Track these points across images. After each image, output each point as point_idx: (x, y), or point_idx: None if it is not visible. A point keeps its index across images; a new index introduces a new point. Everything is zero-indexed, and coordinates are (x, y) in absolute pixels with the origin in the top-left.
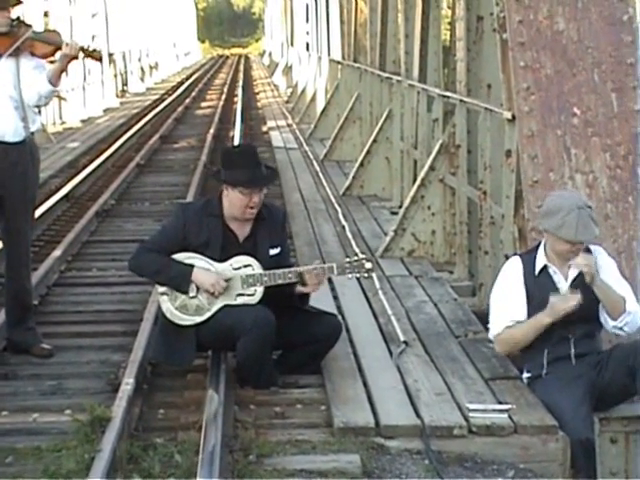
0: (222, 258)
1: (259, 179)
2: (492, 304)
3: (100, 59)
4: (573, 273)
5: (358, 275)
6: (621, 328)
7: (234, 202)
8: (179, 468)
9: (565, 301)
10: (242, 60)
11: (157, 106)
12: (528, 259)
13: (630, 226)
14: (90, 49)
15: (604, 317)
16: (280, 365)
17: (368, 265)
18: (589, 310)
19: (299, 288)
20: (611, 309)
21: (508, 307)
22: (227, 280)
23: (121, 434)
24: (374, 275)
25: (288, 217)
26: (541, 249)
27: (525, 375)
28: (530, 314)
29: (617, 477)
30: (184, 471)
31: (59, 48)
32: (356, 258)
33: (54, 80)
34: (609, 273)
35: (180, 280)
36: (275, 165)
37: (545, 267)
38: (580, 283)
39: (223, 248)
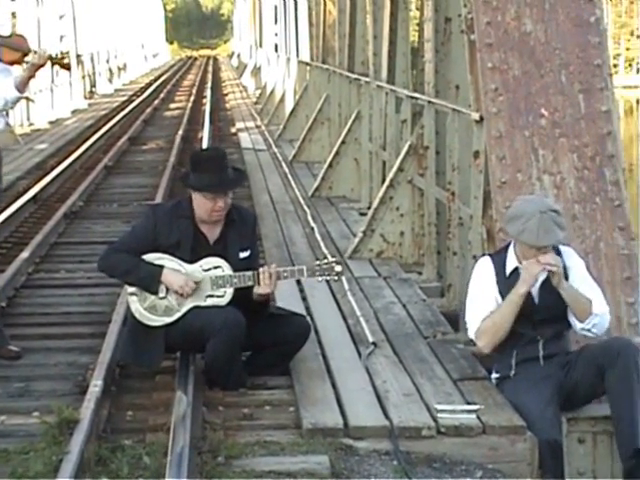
0: (192, 259)
1: (223, 184)
2: (467, 306)
3: (69, 68)
4: (543, 275)
5: (328, 278)
6: (589, 330)
7: (200, 205)
8: (147, 470)
9: (535, 264)
10: (211, 61)
11: (125, 107)
12: (498, 260)
13: (597, 227)
14: (59, 57)
15: (572, 319)
16: (249, 366)
17: (338, 268)
18: (557, 310)
19: (255, 288)
20: (578, 312)
21: (482, 304)
22: (196, 282)
23: (89, 436)
24: (343, 277)
25: (257, 219)
26: (511, 250)
27: (494, 376)
28: None
29: (584, 477)
30: (152, 473)
31: (26, 54)
32: (326, 261)
33: (21, 87)
34: (578, 274)
35: (149, 281)
36: (244, 167)
37: (516, 269)
38: (550, 284)
39: (193, 250)
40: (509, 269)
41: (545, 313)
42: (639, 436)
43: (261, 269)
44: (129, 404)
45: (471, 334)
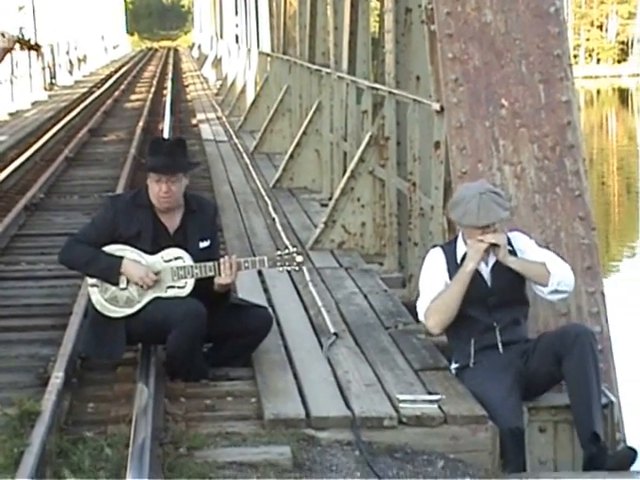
0: (153, 250)
1: (167, 166)
2: (420, 295)
3: (38, 48)
4: (492, 259)
5: (289, 268)
6: (557, 290)
7: (150, 190)
8: (109, 462)
9: (480, 241)
10: (171, 53)
11: (86, 99)
12: (449, 249)
13: (558, 217)
14: (25, 39)
15: (538, 290)
16: (211, 358)
17: (299, 258)
18: (511, 296)
19: (216, 278)
20: (537, 277)
21: (433, 288)
22: (157, 272)
23: (50, 428)
24: (304, 267)
25: (218, 210)
26: (460, 238)
27: (453, 365)
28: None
29: (546, 466)
30: (114, 465)
31: None
32: (287, 251)
33: None
34: (529, 250)
35: (110, 272)
36: (205, 158)
37: (466, 254)
38: (500, 268)
39: (154, 240)
40: (459, 256)
41: (499, 297)
42: (596, 420)
43: (222, 259)
44: (90, 396)
45: (421, 316)
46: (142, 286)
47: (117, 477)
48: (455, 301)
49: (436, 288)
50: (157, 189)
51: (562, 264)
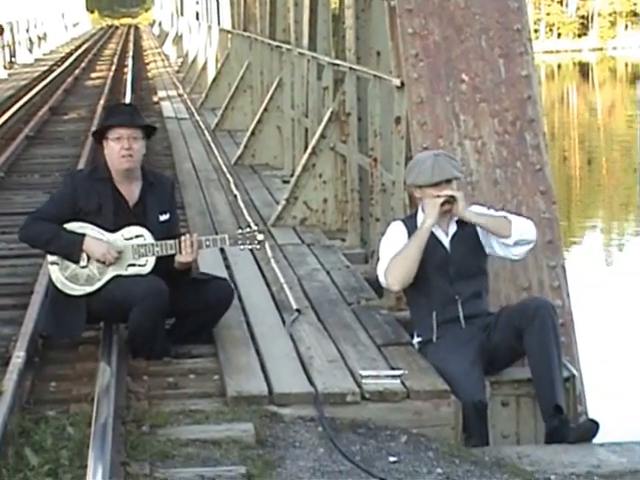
0: (115, 224)
1: (130, 120)
2: (379, 260)
3: (2, 31)
4: (453, 228)
5: (250, 247)
6: (521, 240)
7: (111, 152)
8: (71, 440)
9: (436, 197)
10: (132, 30)
11: (46, 77)
12: (410, 222)
13: (519, 191)
14: None
15: (501, 244)
16: (173, 335)
17: (260, 237)
18: (472, 266)
19: (177, 256)
20: (498, 229)
21: (393, 250)
22: (118, 250)
23: (12, 407)
24: (266, 244)
25: (180, 187)
26: (420, 210)
27: (416, 340)
28: (417, 271)
29: (508, 440)
30: (76, 443)
31: None
32: (248, 230)
33: None
34: (487, 212)
35: (71, 249)
36: (166, 135)
37: None
38: (460, 238)
39: (114, 213)
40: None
41: (459, 267)
42: (558, 393)
43: (183, 237)
44: (52, 375)
45: (381, 276)
46: (104, 263)
47: (79, 456)
48: (414, 257)
49: (395, 249)
50: (118, 148)
51: (522, 218)
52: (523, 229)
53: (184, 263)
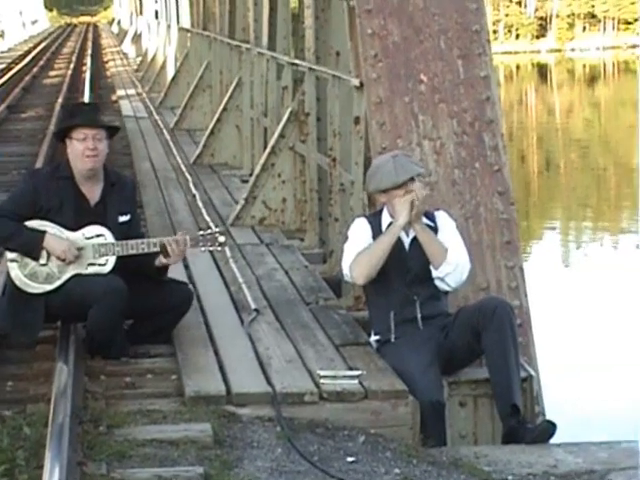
0: (75, 224)
1: (94, 120)
2: (344, 253)
3: None
4: (413, 231)
5: (211, 248)
6: (442, 279)
7: (75, 152)
8: (28, 440)
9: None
10: (91, 28)
11: (4, 75)
12: (374, 220)
13: (477, 192)
14: None
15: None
16: (131, 335)
17: (221, 238)
18: (430, 269)
19: (160, 259)
20: (432, 256)
21: (359, 246)
22: (79, 249)
23: None
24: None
25: (138, 186)
26: (385, 209)
27: (373, 338)
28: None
29: (466, 440)
30: (33, 444)
31: None
32: (209, 231)
33: None
34: (446, 230)
35: (31, 246)
36: (125, 134)
37: (391, 224)
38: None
39: (75, 212)
40: (384, 226)
41: (418, 268)
42: (515, 394)
43: (168, 239)
44: (9, 374)
45: (346, 268)
46: (64, 261)
47: (36, 456)
48: (381, 253)
49: (361, 245)
50: (82, 148)
51: (462, 261)
52: (449, 274)
53: (164, 267)
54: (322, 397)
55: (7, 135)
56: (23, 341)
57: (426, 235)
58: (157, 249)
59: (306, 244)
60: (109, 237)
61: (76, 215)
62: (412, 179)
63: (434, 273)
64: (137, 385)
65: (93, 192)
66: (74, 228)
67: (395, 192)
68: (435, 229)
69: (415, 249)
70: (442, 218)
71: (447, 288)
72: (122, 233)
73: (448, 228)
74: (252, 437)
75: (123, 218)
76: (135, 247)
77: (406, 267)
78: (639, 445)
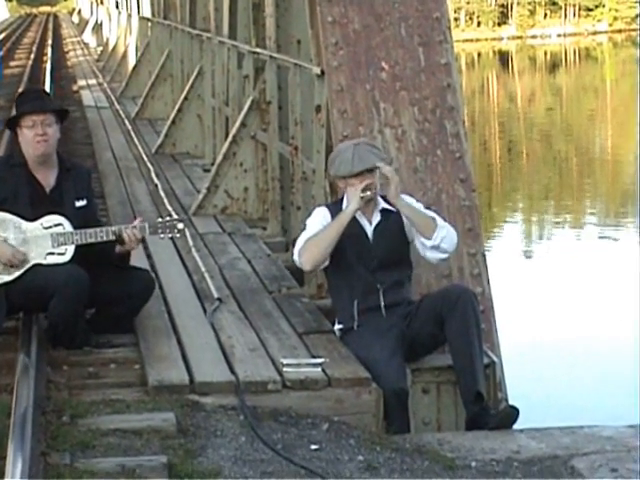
0: (31, 212)
1: (42, 105)
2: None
3: None
4: (376, 218)
5: (170, 235)
6: (439, 246)
7: (26, 139)
8: None
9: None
10: (51, 18)
11: None
12: (334, 208)
13: (439, 179)
14: None
15: (420, 242)
16: (93, 324)
17: (180, 226)
18: (395, 256)
19: (119, 247)
20: (423, 227)
21: (312, 231)
22: (33, 240)
23: None
24: (187, 233)
25: (100, 176)
26: (345, 197)
27: (337, 327)
28: (339, 259)
29: (429, 427)
30: None
31: None
32: (168, 219)
33: None
34: (415, 204)
35: None
36: (86, 124)
37: None
38: (384, 228)
39: (31, 199)
40: None
41: (382, 257)
42: (479, 380)
43: (124, 226)
44: None
45: (295, 254)
46: (12, 266)
47: None
48: (329, 240)
49: (315, 230)
50: (32, 134)
51: (450, 226)
52: (445, 236)
53: (127, 254)
54: (285, 385)
55: None
56: None
57: (410, 209)
58: (115, 237)
59: (268, 233)
60: (67, 226)
61: (32, 202)
62: (370, 170)
63: (428, 244)
64: (100, 375)
65: (48, 178)
66: (31, 217)
67: (351, 180)
68: (398, 213)
69: (379, 237)
70: (406, 199)
71: (442, 255)
72: (79, 219)
73: (417, 205)
74: (215, 426)
75: (80, 203)
76: (94, 235)
77: (370, 255)
78: (601, 430)
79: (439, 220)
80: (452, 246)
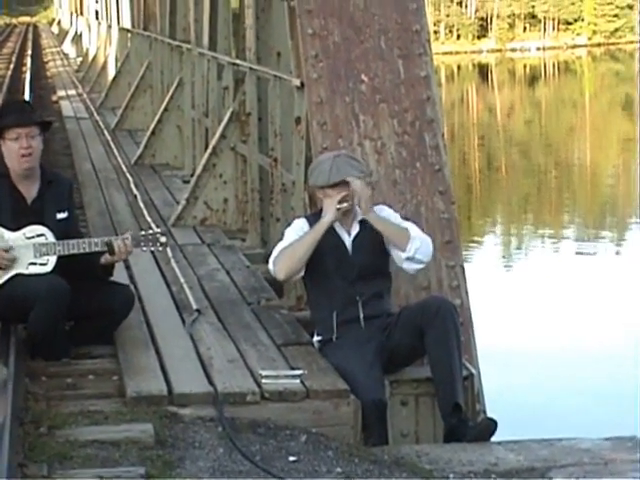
0: (13, 222)
1: (26, 118)
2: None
3: None
4: (355, 229)
5: (152, 249)
6: (414, 258)
7: (10, 152)
8: None
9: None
10: (31, 29)
11: None
12: (314, 219)
13: (418, 191)
14: None
15: (395, 254)
16: (73, 336)
17: (163, 239)
18: (374, 267)
19: (106, 257)
20: (397, 239)
21: (288, 241)
22: (16, 249)
23: None
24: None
25: (79, 187)
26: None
27: (316, 339)
28: (318, 270)
29: (407, 439)
30: None
31: None
32: (151, 231)
33: None
34: (392, 217)
35: None
36: (65, 135)
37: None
38: (362, 239)
39: (13, 210)
40: None
41: (361, 268)
42: (458, 392)
43: (114, 237)
44: None
45: (270, 263)
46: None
47: None
48: (304, 249)
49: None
50: (16, 147)
51: (424, 235)
52: (419, 247)
53: (110, 265)
54: (264, 397)
55: None
56: None
57: (382, 223)
58: (99, 248)
59: (248, 244)
60: (50, 237)
61: (14, 213)
62: (347, 182)
63: (403, 256)
64: (78, 386)
65: (30, 190)
66: (13, 227)
67: (328, 191)
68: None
69: (358, 248)
70: (383, 210)
71: (419, 266)
72: (61, 230)
73: (394, 217)
74: (194, 437)
75: (61, 215)
76: (76, 246)
77: (348, 267)
78: (579, 442)
79: (412, 231)
80: (427, 256)
